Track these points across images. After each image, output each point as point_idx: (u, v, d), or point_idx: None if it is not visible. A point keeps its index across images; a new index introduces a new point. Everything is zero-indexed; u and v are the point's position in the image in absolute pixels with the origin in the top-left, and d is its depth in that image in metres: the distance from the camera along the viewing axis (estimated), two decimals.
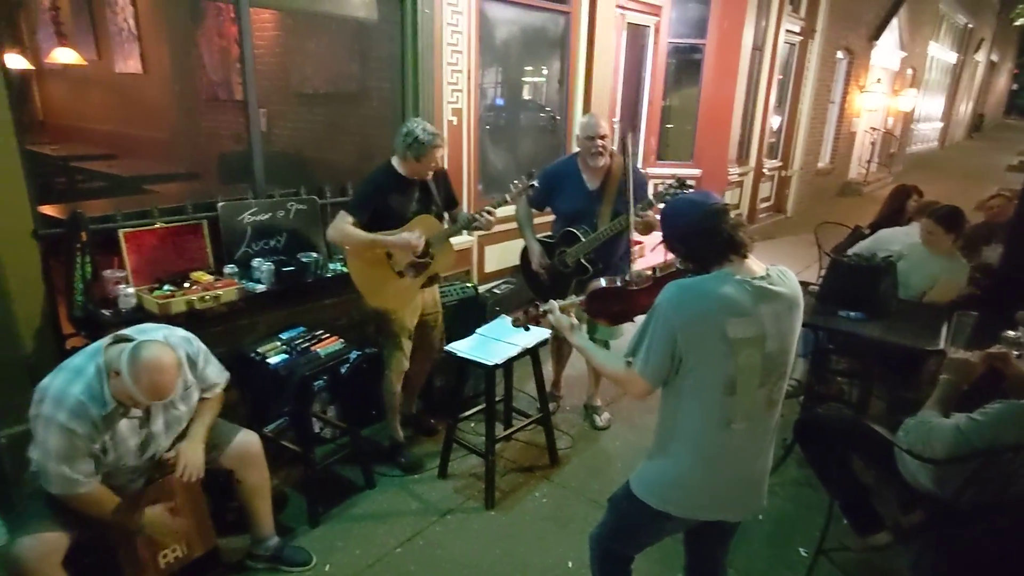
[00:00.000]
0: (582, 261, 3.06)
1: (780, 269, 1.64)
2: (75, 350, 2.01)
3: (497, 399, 3.01)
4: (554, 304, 1.97)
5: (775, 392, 1.63)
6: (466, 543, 2.61)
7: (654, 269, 2.06)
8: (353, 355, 2.88)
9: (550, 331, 2.90)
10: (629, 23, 5.86)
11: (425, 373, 3.29)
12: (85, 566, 1.96)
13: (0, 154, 2.25)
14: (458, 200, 3.10)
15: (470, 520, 2.75)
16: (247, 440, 2.29)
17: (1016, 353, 2.22)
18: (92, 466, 1.85)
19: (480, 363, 2.75)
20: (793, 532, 2.71)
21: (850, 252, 3.59)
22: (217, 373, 2.18)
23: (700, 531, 1.79)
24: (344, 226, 2.70)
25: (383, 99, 4.06)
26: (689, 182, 2.81)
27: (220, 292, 2.69)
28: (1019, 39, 27.08)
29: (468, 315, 3.55)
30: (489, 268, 4.57)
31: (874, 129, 12.33)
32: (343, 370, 2.89)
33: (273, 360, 2.64)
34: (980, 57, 21.59)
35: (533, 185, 2.89)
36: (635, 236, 3.25)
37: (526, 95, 5.15)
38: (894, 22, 11.09)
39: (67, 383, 1.82)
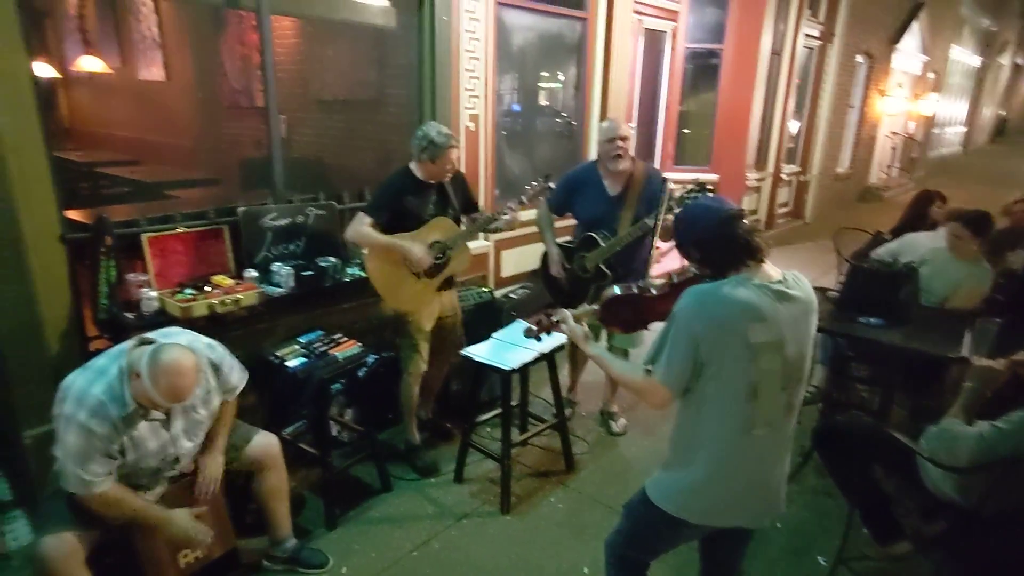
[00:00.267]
0: (601, 266, 3.06)
1: (794, 274, 1.64)
2: (99, 352, 2.05)
3: (513, 404, 3.02)
4: (566, 313, 1.95)
5: (794, 397, 1.63)
6: (482, 547, 2.61)
7: (670, 276, 2.03)
8: (370, 359, 2.90)
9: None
10: (646, 28, 5.86)
11: (443, 376, 3.30)
12: (107, 566, 1.98)
13: (29, 160, 2.31)
14: (477, 204, 3.12)
15: (486, 524, 2.75)
16: (266, 442, 2.32)
17: None
18: (108, 467, 1.86)
19: (496, 367, 2.75)
20: (812, 541, 2.67)
21: (874, 255, 3.56)
22: (238, 376, 2.20)
23: (717, 538, 1.77)
24: (361, 227, 2.75)
25: (401, 105, 4.10)
26: (709, 185, 2.80)
27: (240, 296, 2.72)
28: None
29: (484, 320, 3.56)
30: (506, 273, 4.59)
31: (895, 134, 12.18)
32: (360, 373, 2.91)
33: (292, 363, 2.67)
34: (1004, 60, 21.26)
35: (549, 187, 2.89)
36: (657, 243, 3.25)
37: (543, 101, 5.16)
38: (915, 26, 10.97)
39: (89, 383, 1.85)
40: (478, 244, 4.13)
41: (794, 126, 8.30)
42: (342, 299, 3.22)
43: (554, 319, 1.98)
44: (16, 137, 2.25)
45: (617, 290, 2.04)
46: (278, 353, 2.72)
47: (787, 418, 1.64)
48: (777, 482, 1.70)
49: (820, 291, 3.34)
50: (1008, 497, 1.92)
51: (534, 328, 2.06)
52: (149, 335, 1.96)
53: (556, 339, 2.84)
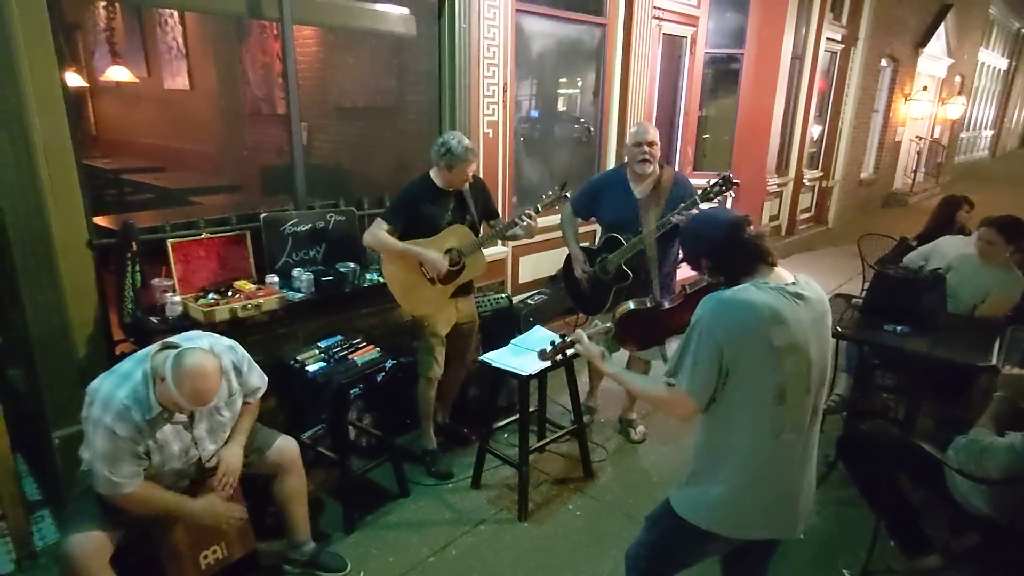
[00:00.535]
0: (623, 267, 3.04)
1: (804, 277, 1.64)
2: (124, 356, 2.08)
3: (531, 410, 3.01)
4: (581, 334, 1.95)
5: (819, 399, 1.61)
6: (499, 554, 2.60)
7: (683, 286, 2.02)
8: (388, 364, 2.91)
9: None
10: (665, 34, 5.84)
11: (460, 382, 3.31)
12: (129, 566, 2.01)
13: (60, 168, 2.36)
14: (497, 211, 3.13)
15: (503, 531, 2.74)
16: (286, 445, 2.33)
17: None
18: (136, 468, 1.90)
19: (514, 373, 2.75)
20: (836, 553, 2.62)
21: (907, 259, 3.49)
22: (258, 378, 2.23)
23: (742, 550, 1.74)
24: (379, 232, 2.78)
25: (420, 113, 4.13)
26: (734, 179, 2.78)
27: (262, 301, 2.76)
28: None
29: (502, 326, 3.56)
30: (523, 279, 4.58)
31: (920, 138, 11.98)
32: (379, 378, 2.92)
33: (312, 368, 2.69)
34: None
35: (566, 196, 2.89)
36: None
37: (561, 107, 5.17)
38: (941, 28, 10.79)
39: (115, 387, 1.88)
40: (496, 250, 4.14)
41: (816, 131, 8.20)
42: (361, 304, 3.24)
43: (568, 340, 1.98)
44: (48, 145, 2.31)
45: (631, 305, 2.03)
46: (298, 357, 2.74)
47: (813, 422, 1.62)
48: (807, 489, 1.67)
49: (845, 298, 3.30)
50: None
51: (548, 351, 2.06)
52: (172, 339, 1.99)
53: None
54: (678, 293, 2.00)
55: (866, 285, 3.73)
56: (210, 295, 2.73)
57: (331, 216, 3.21)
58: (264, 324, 2.84)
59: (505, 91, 4.06)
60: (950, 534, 2.43)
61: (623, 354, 3.17)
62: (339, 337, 2.94)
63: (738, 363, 1.51)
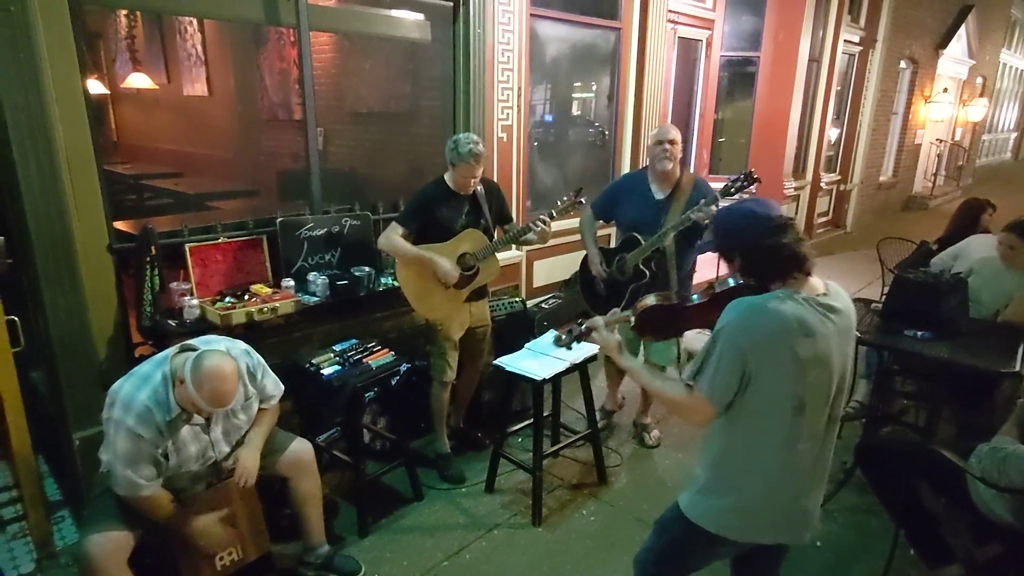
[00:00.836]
0: (640, 267, 3.03)
1: (833, 286, 1.60)
2: (143, 358, 2.11)
3: (545, 414, 3.00)
4: (599, 321, 1.88)
5: (836, 409, 1.59)
6: (512, 559, 2.59)
7: (711, 284, 1.97)
8: (403, 367, 2.92)
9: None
10: (680, 37, 5.82)
11: (473, 386, 3.31)
12: (146, 566, 2.04)
13: (82, 174, 2.40)
14: (511, 216, 3.13)
15: (517, 536, 2.73)
16: (301, 448, 2.35)
17: None
18: (155, 470, 1.93)
19: (528, 377, 2.74)
20: (854, 561, 2.58)
21: (933, 261, 3.44)
22: (273, 385, 2.24)
23: (752, 554, 1.72)
24: (393, 236, 2.79)
25: (435, 117, 4.15)
26: (756, 176, 2.75)
27: (278, 304, 2.78)
28: None
29: (516, 330, 3.56)
30: (537, 283, 4.58)
31: (940, 141, 11.81)
32: (393, 382, 2.93)
33: (327, 371, 2.71)
34: None
35: (580, 202, 2.89)
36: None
37: (575, 111, 5.17)
38: (962, 30, 10.64)
39: (136, 389, 1.91)
40: (510, 254, 4.14)
41: (834, 134, 8.12)
42: (376, 308, 3.26)
43: (585, 326, 1.92)
44: (70, 152, 2.35)
45: (653, 299, 1.98)
46: (313, 361, 2.76)
47: (829, 431, 1.60)
48: (816, 497, 1.65)
49: (864, 303, 3.25)
50: None
51: (564, 336, 2.01)
52: (190, 342, 2.02)
53: (587, 349, 2.83)
54: (704, 290, 1.95)
55: (885, 290, 3.67)
56: (227, 299, 2.76)
57: (346, 220, 3.24)
58: (280, 327, 2.86)
59: (519, 95, 4.07)
60: (972, 543, 2.38)
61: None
62: (354, 341, 2.96)
63: (760, 372, 1.49)
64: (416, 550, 2.62)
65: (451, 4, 3.59)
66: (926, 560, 2.33)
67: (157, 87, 6.45)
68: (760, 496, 1.58)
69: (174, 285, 2.73)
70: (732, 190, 2.79)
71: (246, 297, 2.79)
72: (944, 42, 10.32)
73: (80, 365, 2.50)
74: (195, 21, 6.06)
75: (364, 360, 2.79)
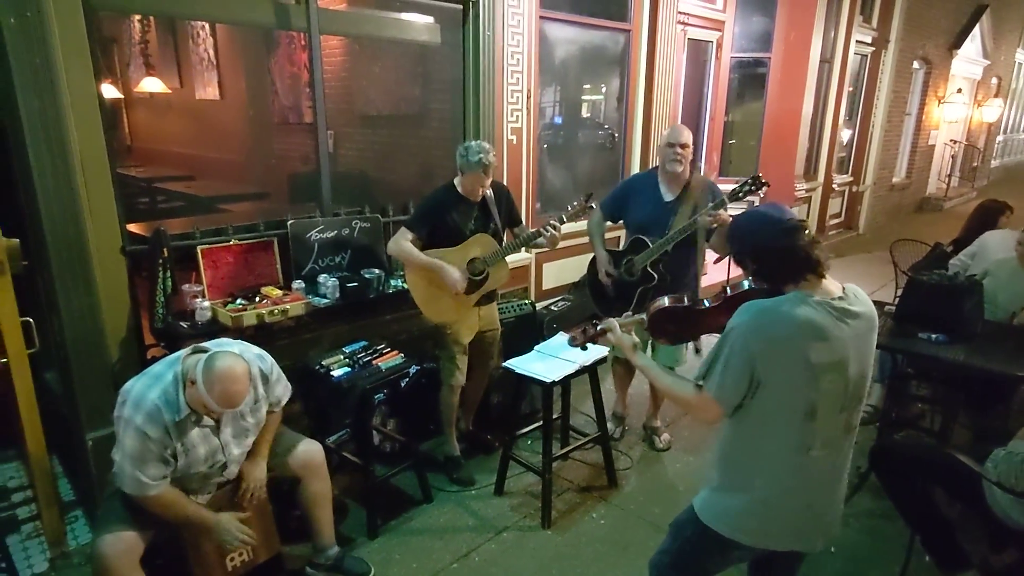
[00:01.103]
0: (648, 269, 3.02)
1: (853, 288, 1.58)
2: (155, 360, 2.13)
3: (555, 417, 2.99)
4: (613, 322, 1.89)
5: (854, 417, 1.57)
6: (521, 562, 2.58)
7: (724, 288, 1.96)
8: (412, 369, 2.93)
9: (609, 351, 2.86)
10: (690, 39, 5.81)
11: (482, 389, 3.31)
12: (158, 567, 2.05)
13: (96, 177, 2.43)
14: (521, 219, 3.13)
15: (526, 539, 2.72)
16: (310, 449, 2.35)
17: None
18: (164, 470, 1.93)
19: (537, 380, 2.74)
20: (869, 567, 2.55)
21: (951, 263, 3.40)
22: (283, 389, 2.25)
23: (770, 559, 1.71)
24: (403, 242, 2.79)
25: (444, 120, 4.16)
26: (764, 180, 2.73)
27: (288, 306, 2.79)
28: None
29: (526, 332, 3.55)
30: (547, 285, 4.58)
31: (954, 141, 11.69)
32: (403, 384, 2.94)
33: (336, 373, 2.71)
34: None
35: (591, 207, 2.88)
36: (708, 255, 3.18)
37: (584, 113, 5.16)
38: (976, 29, 10.54)
39: (147, 388, 1.92)
40: (519, 257, 4.14)
41: (846, 135, 8.06)
42: (385, 310, 3.27)
43: (600, 327, 1.92)
44: (84, 155, 2.38)
45: (666, 301, 1.98)
46: (323, 362, 2.77)
47: (846, 438, 1.57)
48: (836, 504, 1.63)
49: (877, 305, 3.22)
50: None
51: (578, 337, 2.00)
52: (203, 344, 2.03)
53: (598, 352, 2.82)
54: (717, 293, 1.95)
55: (899, 292, 3.64)
56: (238, 300, 2.77)
57: (356, 223, 3.25)
58: (290, 329, 2.88)
59: (529, 98, 4.07)
60: (988, 549, 2.35)
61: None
62: (363, 342, 2.97)
63: (770, 376, 1.48)
64: (425, 552, 2.62)
65: (460, 7, 3.60)
66: (941, 566, 2.30)
67: (170, 91, 6.52)
68: (772, 500, 1.57)
69: (186, 287, 2.75)
70: (740, 194, 2.77)
71: (257, 299, 2.80)
72: (958, 42, 10.22)
73: (93, 366, 2.52)
74: (207, 26, 6.12)
75: (374, 362, 2.79)
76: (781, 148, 6.67)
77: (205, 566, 2.10)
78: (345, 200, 3.50)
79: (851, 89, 7.76)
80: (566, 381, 2.84)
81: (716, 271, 5.19)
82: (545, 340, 3.12)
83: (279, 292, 2.89)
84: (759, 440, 1.56)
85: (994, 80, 12.94)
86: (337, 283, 3.00)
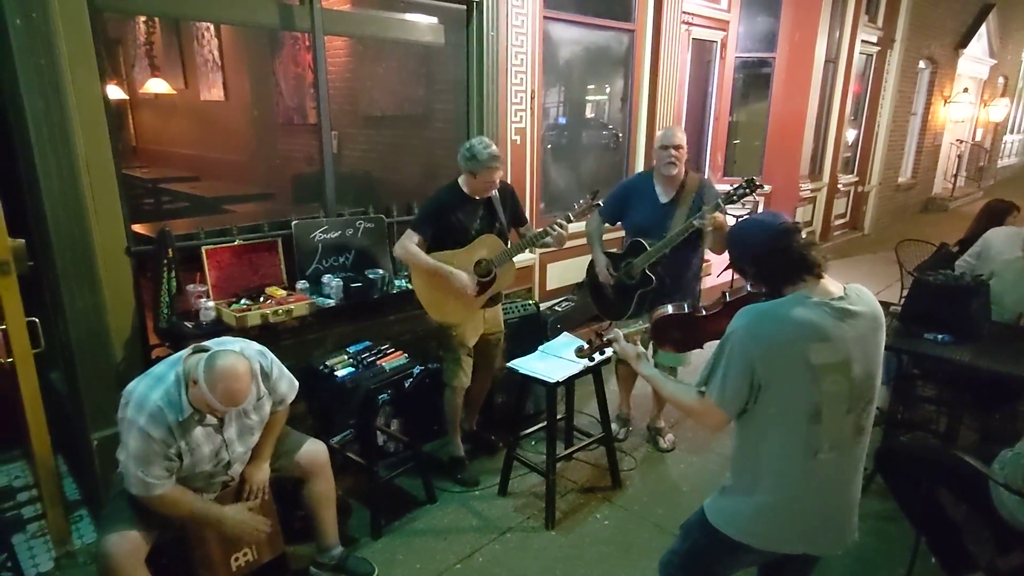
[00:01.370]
0: (646, 272, 3.01)
1: (856, 288, 1.57)
2: (159, 360, 2.13)
3: (559, 417, 2.98)
4: (619, 333, 1.91)
5: (863, 419, 1.55)
6: (525, 562, 2.58)
7: (724, 293, 1.97)
8: (416, 370, 2.93)
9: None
10: (695, 39, 5.79)
11: (486, 390, 3.30)
12: (162, 566, 2.05)
13: (101, 178, 2.43)
14: (526, 218, 3.12)
15: (530, 539, 2.72)
16: (315, 449, 2.36)
17: None
18: (168, 470, 1.93)
19: (541, 380, 2.73)
20: (875, 569, 2.53)
21: (957, 263, 3.38)
22: (287, 386, 2.24)
23: (779, 564, 1.70)
24: (409, 245, 2.78)
25: (448, 120, 4.16)
26: (759, 182, 2.74)
27: (292, 306, 2.80)
28: None
29: (529, 332, 3.55)
30: (551, 286, 4.57)
31: (960, 141, 11.64)
32: (407, 384, 2.94)
33: (340, 373, 2.71)
34: None
35: (598, 205, 2.87)
36: (707, 255, 3.18)
37: (588, 113, 5.15)
38: (982, 29, 10.49)
39: (149, 389, 1.92)
40: (524, 257, 4.13)
41: (851, 135, 8.02)
42: (389, 311, 3.27)
43: (606, 338, 1.94)
44: (89, 156, 2.38)
45: (669, 308, 1.99)
46: (327, 363, 2.77)
47: (856, 441, 1.56)
48: (849, 507, 1.61)
49: (882, 305, 3.20)
50: None
51: (585, 348, 2.02)
52: (204, 344, 2.03)
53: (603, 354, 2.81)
54: (717, 300, 1.96)
55: (904, 293, 3.62)
56: (242, 301, 2.78)
57: (360, 223, 3.25)
58: (294, 329, 2.88)
59: (533, 98, 4.07)
60: (995, 551, 2.33)
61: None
62: (367, 343, 2.97)
63: (771, 380, 1.47)
64: (429, 552, 2.61)
65: (464, 7, 3.60)
66: (947, 568, 2.29)
67: (175, 92, 6.54)
68: (780, 504, 1.56)
69: (191, 287, 2.76)
70: (735, 197, 2.75)
71: (261, 299, 2.81)
72: (964, 41, 10.18)
73: (98, 366, 2.53)
74: (212, 27, 6.13)
75: (378, 362, 2.79)
76: (786, 148, 6.65)
77: (210, 566, 2.10)
78: (349, 201, 3.51)
79: (856, 89, 7.72)
80: (570, 382, 2.84)
81: (723, 274, 5.18)
82: (549, 340, 3.12)
83: (283, 292, 2.89)
84: (765, 444, 1.55)
85: (1000, 80, 12.88)
86: (341, 283, 3.00)
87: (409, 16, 3.57)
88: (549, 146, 4.67)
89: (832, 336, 1.46)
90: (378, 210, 3.42)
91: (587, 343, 2.02)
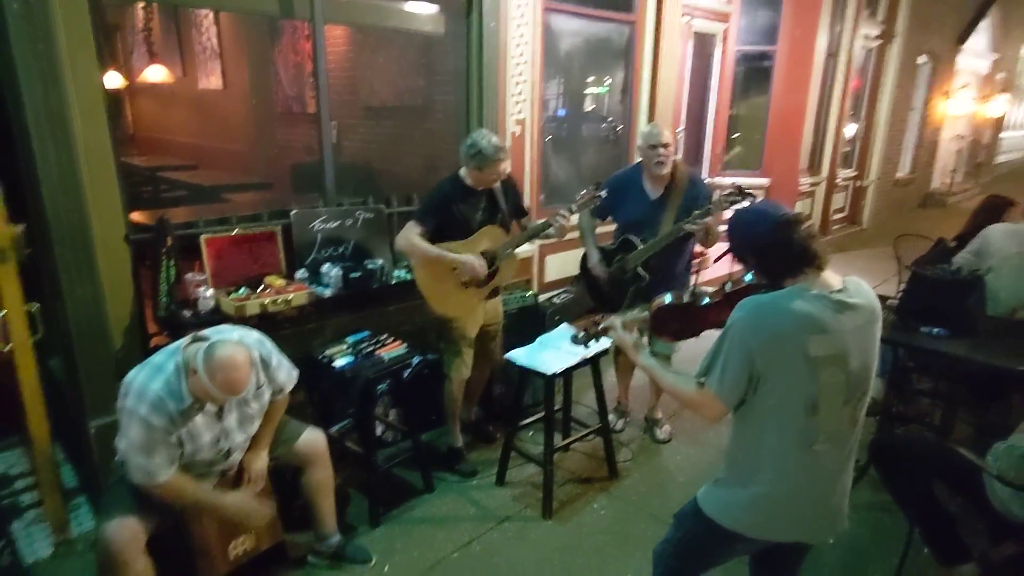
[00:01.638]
0: (638, 269, 3.02)
1: (855, 280, 1.58)
2: (158, 348, 2.13)
3: (556, 408, 2.99)
4: (615, 320, 1.89)
5: (858, 410, 1.57)
6: (523, 551, 2.60)
7: (723, 284, 1.97)
8: (415, 360, 2.93)
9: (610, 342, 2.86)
10: (696, 31, 5.77)
11: (484, 381, 3.31)
12: (160, 555, 2.06)
13: (99, 167, 2.43)
14: (527, 210, 3.12)
15: (527, 528, 2.74)
16: (313, 438, 2.37)
17: None
18: (170, 458, 1.94)
19: (539, 371, 2.74)
20: (868, 560, 2.56)
21: (955, 259, 3.39)
22: (287, 374, 2.24)
23: (772, 553, 1.71)
24: (412, 236, 2.76)
25: (448, 111, 4.15)
26: (748, 190, 2.73)
27: (291, 296, 2.80)
28: None
29: (528, 324, 3.55)
30: (550, 277, 4.57)
31: (960, 137, 11.64)
32: (405, 374, 2.95)
33: (339, 363, 2.72)
34: None
35: (600, 196, 2.87)
36: (698, 248, 3.19)
37: (589, 105, 5.14)
38: (983, 24, 10.46)
39: (149, 378, 1.93)
40: (523, 248, 4.12)
41: (851, 129, 8.02)
42: (388, 301, 3.27)
43: (602, 326, 1.93)
44: (88, 144, 2.38)
45: (669, 298, 1.98)
46: (326, 352, 2.78)
47: (851, 432, 1.57)
48: (840, 497, 1.63)
49: (880, 299, 3.21)
50: None
51: (581, 335, 2.01)
52: (202, 332, 2.03)
53: (599, 344, 2.82)
54: (718, 289, 1.95)
55: (902, 287, 3.63)
56: (241, 290, 2.78)
57: (360, 214, 3.25)
58: (293, 319, 2.88)
59: (533, 89, 4.06)
60: (988, 543, 2.36)
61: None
62: (366, 333, 2.97)
63: (770, 371, 1.48)
64: (427, 541, 2.63)
65: None
66: (941, 559, 2.31)
67: (173, 80, 6.51)
68: (776, 494, 1.57)
69: (189, 276, 2.75)
70: (725, 204, 2.75)
71: (260, 288, 2.81)
72: (964, 36, 10.15)
73: (97, 354, 2.53)
74: (211, 14, 6.10)
75: (377, 352, 2.80)
76: (786, 142, 6.64)
77: (208, 555, 2.12)
78: (349, 191, 3.50)
79: (856, 83, 7.71)
80: (568, 373, 2.85)
81: (719, 265, 5.19)
82: (547, 332, 3.12)
83: (282, 282, 2.89)
84: (762, 435, 1.56)
85: (1000, 75, 12.86)
86: (340, 273, 3.00)
87: (409, 5, 3.56)
88: (549, 138, 4.66)
89: (831, 328, 1.47)
90: (377, 200, 3.42)
91: (583, 330, 2.00)
